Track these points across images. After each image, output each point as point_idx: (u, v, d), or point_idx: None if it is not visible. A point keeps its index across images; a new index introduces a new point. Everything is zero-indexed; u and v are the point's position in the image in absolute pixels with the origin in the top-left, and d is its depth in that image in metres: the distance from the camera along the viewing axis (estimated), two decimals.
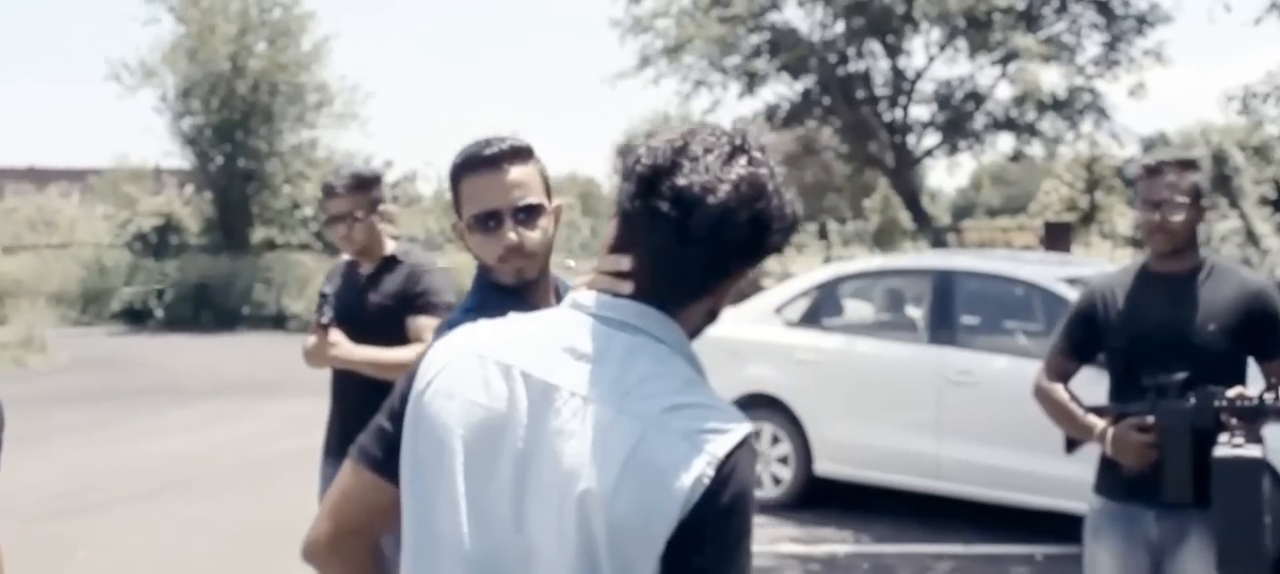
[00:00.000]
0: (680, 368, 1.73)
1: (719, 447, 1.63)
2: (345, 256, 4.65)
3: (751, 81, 24.00)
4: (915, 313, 9.08)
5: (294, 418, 13.35)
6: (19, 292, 25.42)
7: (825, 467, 8.70)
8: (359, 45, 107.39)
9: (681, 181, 1.70)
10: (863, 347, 8.78)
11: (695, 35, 22.84)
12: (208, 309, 25.88)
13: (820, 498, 8.77)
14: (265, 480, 9.82)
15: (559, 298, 2.66)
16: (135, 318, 26.48)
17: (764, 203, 1.72)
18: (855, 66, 24.09)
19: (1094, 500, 3.99)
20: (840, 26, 23.58)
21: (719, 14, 22.63)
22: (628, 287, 1.76)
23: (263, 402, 14.33)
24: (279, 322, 24.99)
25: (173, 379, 16.98)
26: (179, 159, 29.36)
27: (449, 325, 2.43)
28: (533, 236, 2.66)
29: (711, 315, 1.83)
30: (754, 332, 9.14)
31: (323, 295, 4.50)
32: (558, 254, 2.93)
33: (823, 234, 38.97)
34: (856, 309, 9.70)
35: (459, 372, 1.78)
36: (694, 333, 1.81)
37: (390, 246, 4.54)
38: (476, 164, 2.67)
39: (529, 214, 2.66)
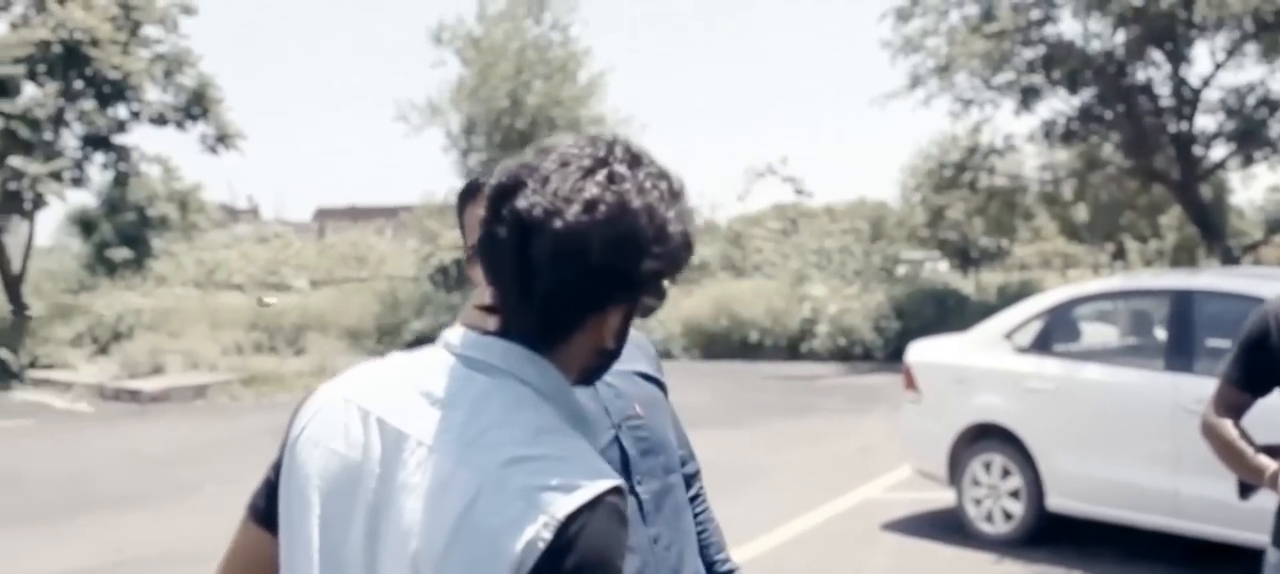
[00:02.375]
0: (538, 414, 1.54)
1: (560, 506, 1.43)
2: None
3: (1025, 97, 23.13)
4: (1152, 337, 8.51)
5: None
6: (318, 324, 26.93)
7: (1058, 502, 8.24)
8: (631, 77, 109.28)
9: (522, 204, 1.52)
10: (1096, 374, 8.26)
11: (959, 54, 22.21)
12: None
13: (1053, 535, 8.32)
14: None
15: None
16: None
17: (628, 225, 1.52)
18: (1136, 77, 22.91)
19: (1272, 554, 3.56)
20: (1119, 36, 22.48)
21: (986, 30, 21.95)
22: (494, 322, 1.60)
23: None
24: None
25: None
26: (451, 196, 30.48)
27: None
28: None
29: (602, 354, 1.64)
30: (982, 358, 8.76)
31: None
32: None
33: (1120, 254, 37.25)
34: (1092, 333, 9.16)
35: (326, 417, 1.64)
36: (585, 372, 1.65)
37: None
38: (477, 191, 2.54)
39: None
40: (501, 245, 1.54)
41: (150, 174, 34.35)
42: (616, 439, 2.39)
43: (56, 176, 25.87)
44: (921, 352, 9.34)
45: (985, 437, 8.59)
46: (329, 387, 1.71)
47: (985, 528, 8.57)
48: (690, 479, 2.74)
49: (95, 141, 27.76)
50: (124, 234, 41.91)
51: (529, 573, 1.41)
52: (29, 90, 26.03)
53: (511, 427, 1.51)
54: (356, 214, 59.74)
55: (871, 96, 44.43)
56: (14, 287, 26.97)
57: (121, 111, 27.74)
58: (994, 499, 8.54)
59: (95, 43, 25.51)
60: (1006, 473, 8.48)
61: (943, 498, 9.10)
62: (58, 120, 26.37)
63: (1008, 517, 8.48)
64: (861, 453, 12.27)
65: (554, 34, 28.51)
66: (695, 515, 2.72)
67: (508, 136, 28.13)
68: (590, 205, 1.51)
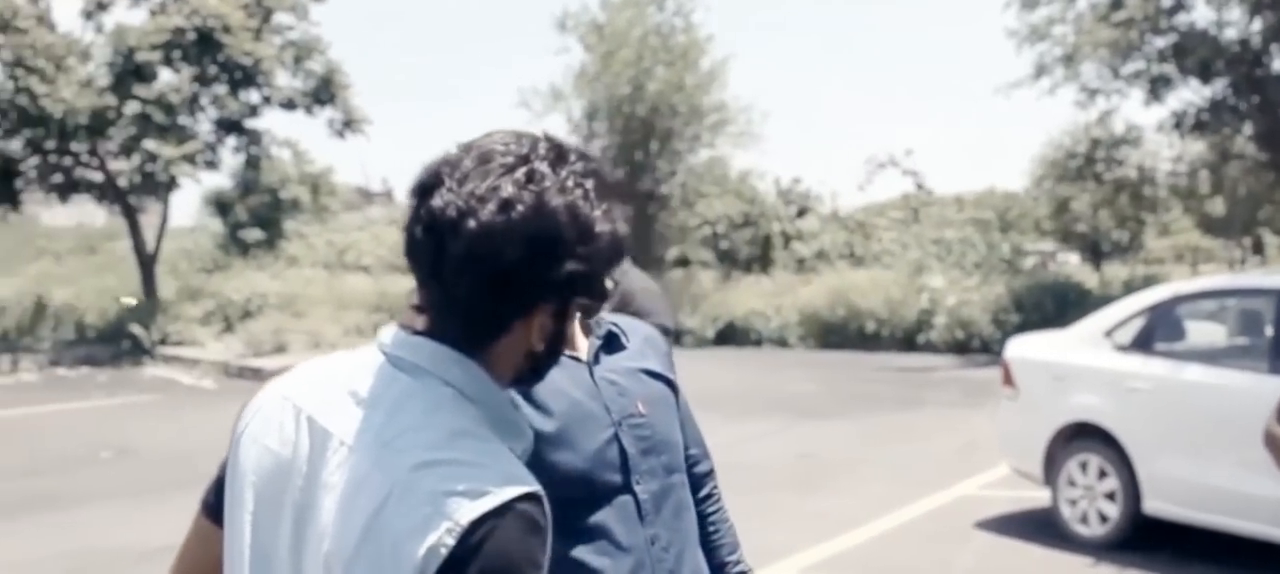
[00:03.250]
0: (457, 418, 1.49)
1: (464, 512, 1.38)
2: None
3: (1155, 87, 22.49)
4: (1261, 337, 8.20)
5: None
6: None
7: (1155, 506, 8.00)
8: (753, 64, 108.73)
9: (437, 203, 1.49)
10: (1197, 374, 7.99)
11: (1086, 42, 21.68)
12: None
13: (1149, 540, 8.09)
14: None
15: (587, 328, 2.49)
16: None
17: (546, 225, 1.48)
18: (1272, 67, 22.10)
19: None
20: (1254, 24, 21.73)
21: (1114, 18, 21.38)
22: (423, 321, 1.57)
23: None
24: (676, 337, 25.53)
25: None
26: None
27: None
28: None
29: (534, 357, 1.59)
30: (1081, 356, 8.55)
31: None
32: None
33: (1258, 248, 36.12)
34: (1197, 332, 8.86)
35: (265, 414, 1.62)
36: (520, 374, 1.61)
37: None
38: None
39: None
40: (419, 246, 1.52)
41: (281, 157, 35.19)
42: (616, 437, 2.36)
43: (190, 159, 26.61)
44: (1020, 347, 9.15)
45: (1082, 436, 8.38)
46: (275, 382, 1.70)
47: (1080, 530, 8.36)
48: (703, 478, 2.71)
49: (228, 125, 28.50)
50: (257, 216, 42.96)
51: None
52: (165, 76, 26.79)
53: (427, 430, 1.47)
54: None
55: (996, 85, 43.66)
56: (148, 266, 27.83)
57: (253, 97, 28.44)
58: (1089, 501, 8.33)
59: (227, 29, 26.16)
60: (1103, 474, 8.27)
61: (1039, 497, 8.91)
62: (192, 105, 27.10)
63: (1103, 519, 8.27)
64: (965, 449, 12.07)
65: (676, 21, 28.54)
66: (708, 516, 2.70)
67: (629, 123, 28.25)
68: (505, 205, 1.47)
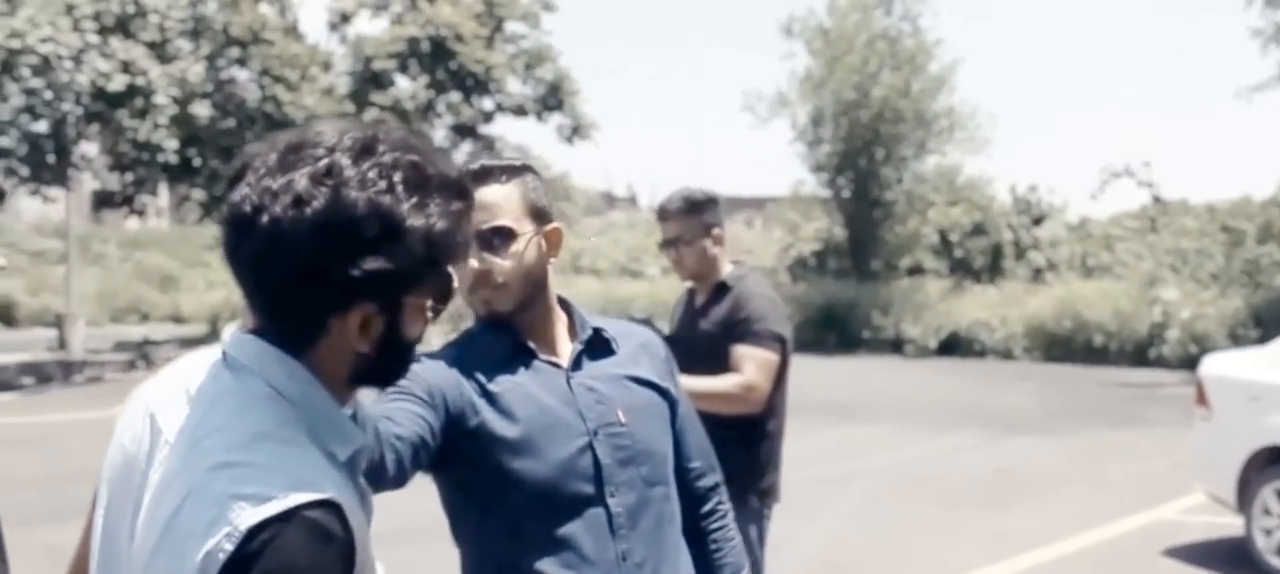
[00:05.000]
0: (264, 419, 1.46)
1: (245, 517, 1.34)
2: (688, 283, 4.60)
3: None
4: None
5: (855, 441, 13.52)
6: (665, 312, 27.50)
7: None
8: (981, 69, 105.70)
9: (235, 197, 1.46)
10: None
11: None
12: (833, 332, 26.57)
13: None
14: None
15: (574, 333, 2.47)
16: None
17: (341, 222, 1.42)
18: None
19: None
20: None
21: None
22: (253, 320, 1.55)
23: (832, 424, 14.53)
24: (897, 346, 25.20)
25: None
26: (813, 187, 30.59)
27: (446, 361, 2.38)
28: (500, 264, 2.36)
29: (364, 359, 1.52)
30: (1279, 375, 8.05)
31: (633, 320, 4.52)
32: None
33: None
34: None
35: (128, 413, 1.62)
36: (359, 376, 1.56)
37: (725, 272, 4.41)
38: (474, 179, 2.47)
39: (495, 239, 2.36)
40: (223, 241, 1.49)
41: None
42: (590, 446, 2.32)
43: None
44: (1216, 364, 8.66)
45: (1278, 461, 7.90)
46: (147, 382, 1.70)
47: (1274, 562, 7.86)
48: (708, 492, 2.64)
49: (462, 131, 29.43)
50: None
51: None
52: (401, 83, 27.85)
53: (230, 430, 1.44)
54: (729, 204, 60.74)
55: (1237, 88, 41.38)
56: None
57: (486, 103, 29.29)
58: None
59: (460, 38, 27.01)
60: None
61: (1237, 525, 8.42)
62: (427, 111, 28.08)
63: None
64: (1173, 470, 11.45)
65: (904, 25, 28.06)
66: (710, 532, 2.64)
67: (854, 129, 27.92)
68: (298, 201, 1.43)
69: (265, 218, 1.43)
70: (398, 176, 1.47)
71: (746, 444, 4.29)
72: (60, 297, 28.02)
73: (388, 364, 1.59)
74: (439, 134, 28.99)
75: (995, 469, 11.76)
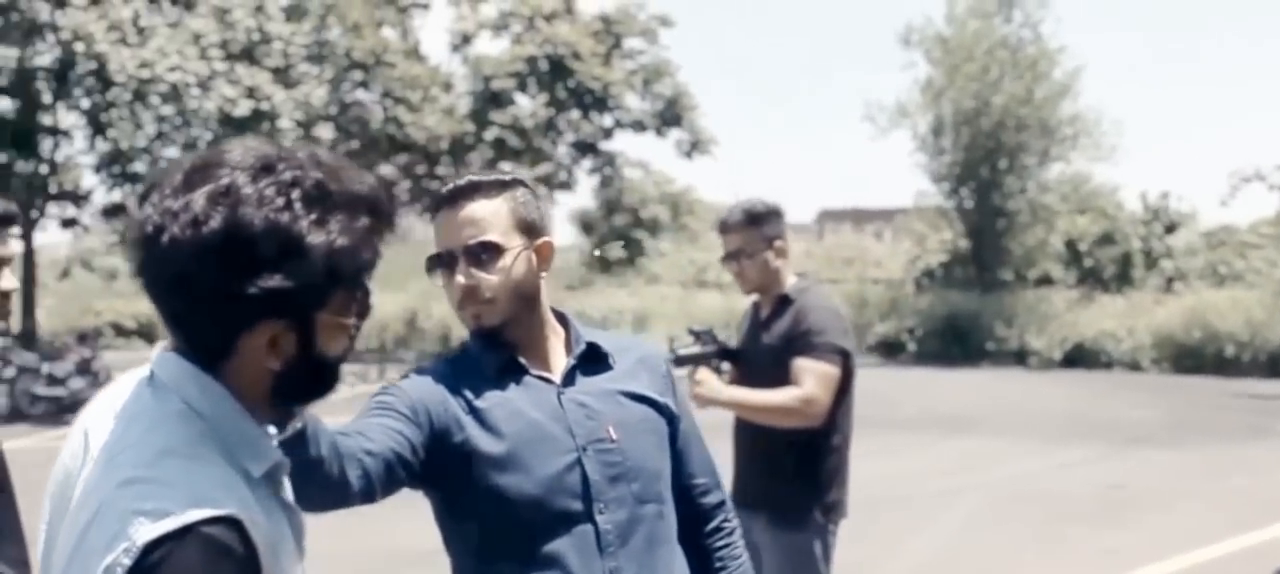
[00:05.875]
0: (173, 435, 1.47)
1: (143, 533, 1.35)
2: (753, 297, 4.58)
3: None
4: None
5: (967, 454, 13.33)
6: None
7: None
8: (1105, 75, 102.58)
9: (140, 215, 1.48)
10: None
11: None
12: (956, 344, 26.23)
13: None
14: (867, 515, 9.79)
15: (570, 347, 2.46)
16: (889, 351, 27.46)
17: (238, 241, 1.43)
18: None
19: None
20: None
21: None
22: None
23: (947, 437, 14.38)
24: (1020, 358, 24.77)
25: (881, 411, 17.42)
26: (935, 197, 30.28)
27: (433, 376, 2.39)
28: (487, 279, 2.36)
29: (279, 377, 1.53)
30: None
31: (692, 333, 4.53)
32: None
33: None
34: None
35: (73, 430, 1.64)
36: (280, 395, 1.56)
37: (789, 285, 4.38)
38: (438, 203, 2.46)
39: (483, 254, 2.36)
40: (132, 260, 1.51)
41: (634, 178, 36.28)
42: (578, 462, 2.31)
43: (544, 181, 27.88)
44: None
45: None
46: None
47: None
48: (712, 510, 2.61)
49: (583, 147, 29.71)
50: (619, 234, 44.43)
51: None
52: (521, 101, 28.21)
53: (140, 447, 1.46)
54: (859, 216, 60.31)
55: None
56: None
57: (605, 120, 29.53)
58: None
59: (578, 56, 27.29)
60: None
61: None
62: (548, 129, 28.40)
63: None
64: None
65: (1024, 32, 27.63)
66: (715, 551, 2.61)
67: (975, 138, 27.55)
68: (195, 221, 1.43)
69: (165, 238, 1.44)
70: (296, 194, 1.47)
71: (809, 459, 4.27)
72: None
73: (307, 381, 1.58)
74: (560, 151, 29.32)
75: (1110, 484, 11.49)
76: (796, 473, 4.28)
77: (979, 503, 10.61)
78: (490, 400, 2.34)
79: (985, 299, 27.02)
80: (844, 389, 4.27)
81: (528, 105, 28.05)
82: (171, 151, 21.38)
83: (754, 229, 4.35)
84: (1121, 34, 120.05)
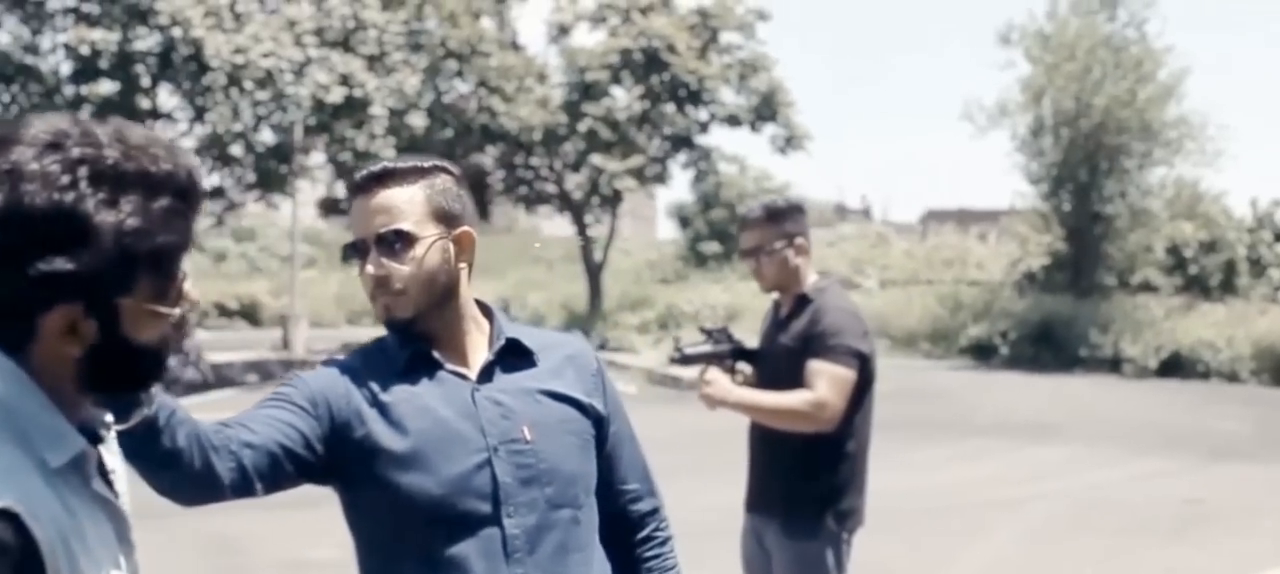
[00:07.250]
0: None
1: None
2: (775, 295, 4.51)
3: None
4: None
5: (1042, 462, 13.10)
6: (873, 325, 27.24)
7: None
8: (1212, 76, 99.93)
9: None
10: None
11: None
12: (1049, 349, 25.80)
13: None
14: (929, 522, 9.68)
15: (493, 342, 2.36)
16: (981, 354, 27.08)
17: (17, 220, 1.37)
18: None
19: None
20: None
21: None
22: None
23: (1024, 444, 14.15)
24: (1114, 365, 24.27)
25: (960, 415, 17.24)
26: (1032, 199, 29.83)
27: (339, 368, 2.33)
28: (398, 269, 2.26)
29: (87, 364, 1.46)
30: None
31: (704, 331, 4.48)
32: None
33: None
34: None
35: None
36: (86, 379, 1.47)
37: (808, 284, 4.29)
38: (353, 189, 2.36)
39: (396, 243, 2.26)
40: None
41: (729, 173, 36.22)
42: (488, 462, 2.23)
43: (634, 174, 27.91)
44: None
45: None
46: None
47: None
48: (644, 517, 2.53)
49: (677, 142, 29.67)
50: (715, 229, 44.46)
51: None
52: (616, 94, 28.27)
53: None
54: (964, 217, 59.67)
55: None
56: (595, 274, 29.42)
57: (701, 114, 29.47)
58: None
59: (672, 49, 27.26)
60: None
61: None
62: (642, 122, 28.41)
63: None
64: None
65: (1129, 31, 27.03)
66: (644, 560, 2.52)
67: (1075, 139, 27.05)
68: None
69: None
70: (83, 171, 1.40)
71: (823, 464, 4.19)
72: (303, 298, 29.18)
73: (118, 369, 1.50)
74: (655, 144, 29.31)
75: (1185, 498, 11.19)
76: (809, 478, 4.21)
77: (1046, 514, 10.40)
78: (397, 395, 2.26)
79: (1081, 304, 26.50)
80: (860, 393, 4.19)
81: (622, 98, 28.07)
82: (266, 136, 21.77)
83: (774, 225, 4.25)
84: (1231, 35, 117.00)
